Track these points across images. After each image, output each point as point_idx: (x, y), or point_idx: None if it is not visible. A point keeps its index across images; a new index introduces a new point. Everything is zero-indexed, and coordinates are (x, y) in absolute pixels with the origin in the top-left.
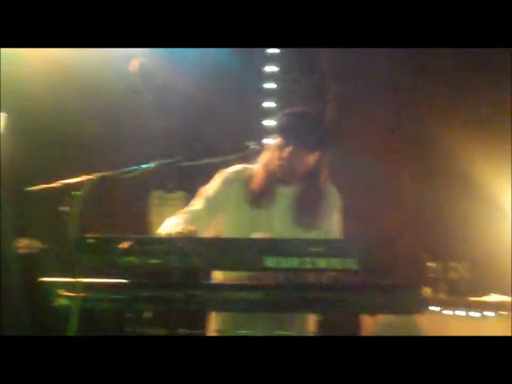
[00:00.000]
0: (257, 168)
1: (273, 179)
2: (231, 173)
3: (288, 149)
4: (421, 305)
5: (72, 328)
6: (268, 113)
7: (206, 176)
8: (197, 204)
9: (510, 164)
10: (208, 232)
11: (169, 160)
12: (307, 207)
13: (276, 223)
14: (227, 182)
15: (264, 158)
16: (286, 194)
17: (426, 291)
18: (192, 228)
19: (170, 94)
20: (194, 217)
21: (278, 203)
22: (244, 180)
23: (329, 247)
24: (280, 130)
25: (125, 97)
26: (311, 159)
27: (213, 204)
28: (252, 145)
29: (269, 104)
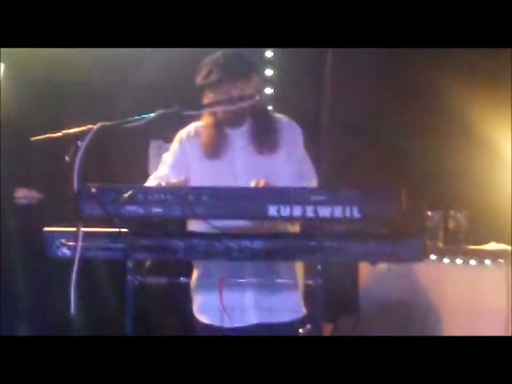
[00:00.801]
0: (203, 122)
1: (221, 126)
2: (186, 132)
3: (220, 90)
4: (420, 254)
5: (74, 279)
6: (268, 63)
7: None
8: (161, 169)
9: (510, 111)
10: None
11: (169, 110)
12: (263, 135)
13: (238, 167)
14: (183, 142)
15: (205, 107)
16: (239, 135)
17: (426, 240)
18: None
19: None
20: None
21: (234, 147)
22: (198, 135)
23: (332, 196)
24: (208, 77)
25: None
26: (247, 91)
27: (175, 168)
28: (254, 94)
29: (269, 54)
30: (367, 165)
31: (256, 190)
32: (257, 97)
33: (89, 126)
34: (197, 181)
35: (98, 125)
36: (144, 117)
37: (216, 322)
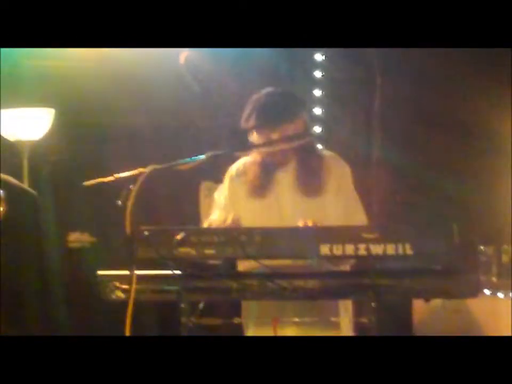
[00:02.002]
0: (250, 160)
1: (267, 164)
2: (235, 169)
3: (266, 131)
4: (474, 290)
5: (129, 321)
6: (317, 101)
7: None
8: (215, 213)
9: None
10: None
11: (219, 152)
12: (309, 177)
13: (285, 207)
14: (232, 179)
15: (253, 148)
16: (285, 174)
17: (479, 275)
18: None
19: (217, 85)
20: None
21: (280, 186)
22: (245, 172)
23: (384, 233)
24: (252, 117)
25: (172, 90)
26: (291, 131)
27: (227, 209)
28: (304, 134)
29: (317, 92)
30: (418, 201)
31: (307, 229)
32: (301, 138)
33: (141, 170)
34: (244, 219)
35: (150, 168)
36: (194, 159)
37: None
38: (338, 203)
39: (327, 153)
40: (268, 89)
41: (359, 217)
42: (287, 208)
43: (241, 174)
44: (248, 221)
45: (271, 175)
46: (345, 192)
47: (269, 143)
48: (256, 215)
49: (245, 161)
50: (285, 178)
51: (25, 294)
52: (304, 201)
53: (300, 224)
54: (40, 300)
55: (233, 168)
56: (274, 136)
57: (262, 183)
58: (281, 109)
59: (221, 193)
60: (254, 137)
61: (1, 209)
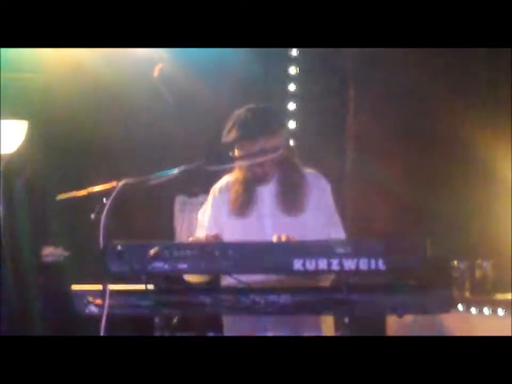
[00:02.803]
0: (232, 178)
1: (249, 182)
2: (218, 187)
3: (246, 145)
4: (447, 305)
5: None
6: (292, 115)
7: None
8: (199, 232)
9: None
10: None
11: (193, 165)
12: (291, 195)
13: (267, 226)
14: (215, 197)
15: (229, 161)
16: (266, 191)
17: (453, 290)
18: (214, 233)
19: (191, 98)
20: None
21: (262, 204)
22: (228, 190)
23: (356, 248)
24: (232, 131)
25: (146, 103)
26: (271, 145)
27: (210, 229)
28: (279, 146)
29: (292, 106)
30: (391, 216)
31: (280, 244)
32: (281, 151)
33: (114, 184)
34: (228, 238)
35: (123, 182)
36: (167, 174)
37: None
38: (319, 220)
39: (307, 170)
40: (249, 105)
41: (338, 234)
42: (268, 227)
43: (223, 192)
44: (230, 240)
45: (252, 194)
46: (325, 209)
47: (245, 156)
48: (239, 234)
49: (227, 180)
50: (266, 197)
51: None
52: (285, 220)
53: (274, 239)
54: (12, 314)
55: (216, 187)
56: (254, 150)
57: (243, 203)
58: (261, 123)
59: (204, 212)
60: (235, 151)
61: None
